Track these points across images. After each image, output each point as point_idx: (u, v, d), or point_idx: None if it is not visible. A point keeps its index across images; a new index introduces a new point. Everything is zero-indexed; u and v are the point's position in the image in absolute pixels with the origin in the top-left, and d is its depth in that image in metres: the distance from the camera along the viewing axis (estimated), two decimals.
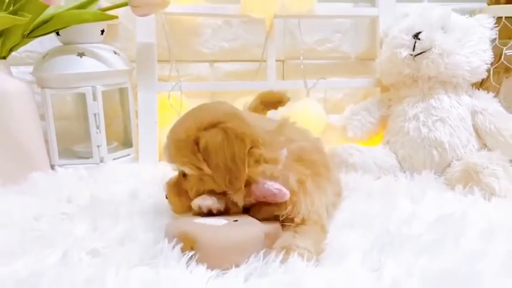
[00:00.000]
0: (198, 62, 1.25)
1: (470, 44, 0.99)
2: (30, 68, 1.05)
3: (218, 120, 0.63)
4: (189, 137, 0.63)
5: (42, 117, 1.02)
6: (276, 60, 1.19)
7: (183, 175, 0.68)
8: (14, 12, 0.84)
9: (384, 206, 0.78)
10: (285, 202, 0.63)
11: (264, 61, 1.18)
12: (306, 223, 0.64)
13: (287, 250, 0.57)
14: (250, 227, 0.60)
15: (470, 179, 0.86)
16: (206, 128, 0.63)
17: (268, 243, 0.61)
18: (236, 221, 0.62)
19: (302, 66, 1.20)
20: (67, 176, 0.95)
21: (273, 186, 0.62)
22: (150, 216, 0.73)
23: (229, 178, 0.60)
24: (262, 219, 0.63)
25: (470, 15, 1.07)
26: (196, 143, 0.62)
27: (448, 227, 0.65)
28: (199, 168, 0.63)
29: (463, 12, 1.21)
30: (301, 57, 1.22)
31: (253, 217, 0.64)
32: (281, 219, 0.64)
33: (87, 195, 0.83)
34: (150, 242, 0.63)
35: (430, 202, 0.80)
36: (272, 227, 0.65)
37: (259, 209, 0.65)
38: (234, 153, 0.60)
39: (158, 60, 1.14)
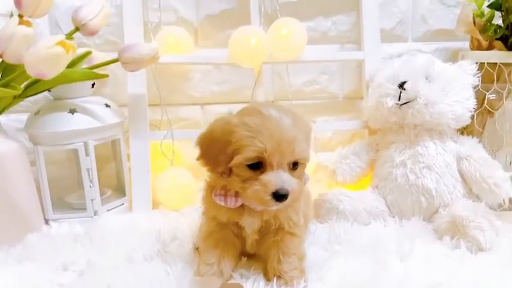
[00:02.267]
0: (189, 105, 1.27)
1: (454, 93, 1.02)
2: (20, 116, 1.06)
3: None
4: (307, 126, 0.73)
5: (33, 163, 1.03)
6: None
7: (294, 165, 0.70)
8: (6, 84, 0.85)
9: (374, 266, 0.80)
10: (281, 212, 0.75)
11: None
12: (293, 231, 0.78)
13: (278, 277, 0.74)
14: None
15: (457, 231, 0.89)
16: None
17: None
18: None
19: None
20: (62, 236, 0.96)
21: None
22: None
23: None
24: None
25: (454, 56, 1.09)
26: None
27: None
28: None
29: (447, 51, 1.25)
30: (290, 99, 1.25)
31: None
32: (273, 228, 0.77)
33: (83, 262, 0.84)
34: None
35: (419, 259, 0.82)
36: None
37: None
38: None
39: (150, 105, 1.16)
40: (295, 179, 0.70)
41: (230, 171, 0.70)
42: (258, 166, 0.68)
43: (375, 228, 1.00)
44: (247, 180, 0.69)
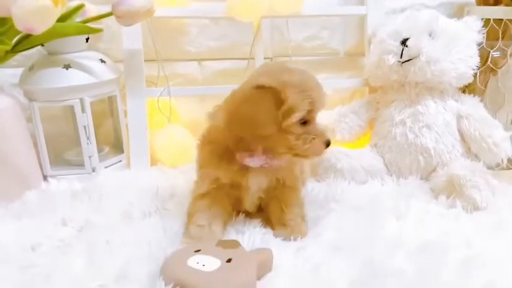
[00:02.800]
0: (186, 61, 1.24)
1: (457, 50, 0.99)
2: (16, 70, 1.05)
3: None
4: None
5: (29, 120, 1.02)
6: (265, 58, 1.18)
7: (305, 123, 0.72)
8: None
9: (370, 225, 0.81)
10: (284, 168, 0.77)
11: (252, 59, 1.18)
12: (294, 184, 0.81)
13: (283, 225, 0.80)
14: (244, 271, 0.63)
15: (453, 190, 0.89)
16: None
17: (261, 271, 0.66)
18: (229, 260, 0.65)
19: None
20: (61, 193, 0.96)
21: None
22: (144, 246, 0.75)
23: None
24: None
25: (459, 11, 1.06)
26: None
27: (430, 258, 0.68)
28: None
29: (452, 6, 1.21)
30: (290, 55, 1.22)
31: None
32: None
33: (82, 218, 0.85)
34: (145, 281, 0.65)
35: (414, 218, 0.83)
36: (264, 253, 0.69)
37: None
38: None
39: (146, 60, 1.13)
40: None
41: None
42: (305, 121, 0.72)
43: (372, 187, 1.00)
44: (299, 136, 0.71)
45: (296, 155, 0.73)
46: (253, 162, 0.75)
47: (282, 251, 0.73)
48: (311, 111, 0.71)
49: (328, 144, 0.73)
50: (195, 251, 0.67)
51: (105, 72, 1.04)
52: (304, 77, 0.71)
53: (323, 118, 1.15)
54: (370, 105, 1.11)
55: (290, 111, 0.68)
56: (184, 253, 0.67)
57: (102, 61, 1.05)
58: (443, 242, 0.73)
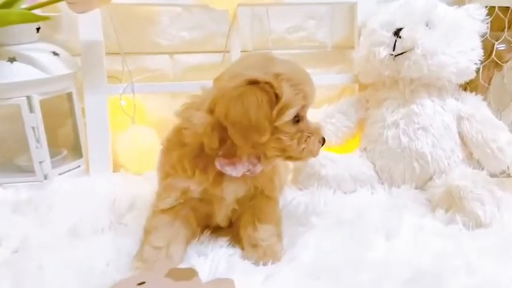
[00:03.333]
0: (155, 54, 1.12)
1: (458, 42, 0.89)
2: None
3: None
4: None
5: None
6: (242, 51, 1.06)
7: (298, 121, 0.64)
8: None
9: (355, 246, 0.69)
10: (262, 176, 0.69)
11: (228, 52, 1.06)
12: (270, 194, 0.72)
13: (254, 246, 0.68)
14: None
15: (452, 203, 0.79)
16: None
17: None
18: None
19: None
20: (1, 204, 0.84)
21: None
22: (84, 272, 0.63)
23: None
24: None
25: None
26: None
27: None
28: None
29: None
30: (271, 48, 1.11)
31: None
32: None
33: (21, 235, 0.73)
34: None
35: (406, 237, 0.72)
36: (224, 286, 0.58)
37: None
38: None
39: (110, 53, 1.02)
40: None
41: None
42: (297, 119, 0.64)
43: (361, 197, 0.91)
44: (293, 135, 0.64)
45: (289, 157, 0.66)
46: (235, 171, 0.65)
47: (249, 279, 0.62)
48: (304, 107, 0.64)
49: (324, 142, 0.67)
50: (138, 284, 0.55)
51: (58, 67, 0.92)
52: (294, 68, 0.64)
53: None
54: (359, 104, 1.01)
55: (285, 108, 0.61)
56: (125, 287, 0.55)
57: (55, 54, 0.93)
58: (439, 268, 0.62)
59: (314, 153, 0.67)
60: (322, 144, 0.67)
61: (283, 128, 0.62)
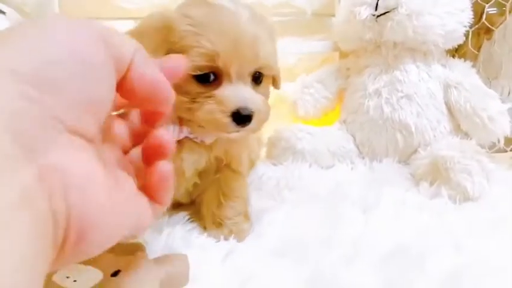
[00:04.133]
0: (120, 20, 1.03)
1: (445, 1, 0.82)
2: None
3: None
4: None
5: None
6: None
7: (258, 77, 0.53)
8: None
9: (328, 222, 0.61)
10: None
11: None
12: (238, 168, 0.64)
13: (218, 225, 0.60)
14: None
15: (438, 175, 0.71)
16: None
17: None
18: (116, 273, 0.45)
19: None
20: None
21: None
22: None
23: None
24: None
25: None
26: None
27: (403, 267, 0.49)
28: None
29: None
30: None
31: None
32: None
33: None
34: None
35: (386, 211, 0.64)
36: (175, 262, 0.50)
37: None
38: None
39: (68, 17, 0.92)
40: (260, 96, 0.53)
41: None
42: (209, 78, 0.51)
43: (339, 172, 0.84)
44: (195, 98, 0.51)
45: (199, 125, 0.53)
46: (167, 133, 0.54)
47: (207, 256, 0.54)
48: (223, 64, 0.50)
49: (239, 119, 0.50)
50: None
51: (4, 26, 0.82)
52: (217, 12, 0.50)
53: (287, 91, 0.97)
54: (339, 73, 0.93)
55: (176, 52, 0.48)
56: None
57: (2, 12, 0.83)
58: (421, 246, 0.54)
59: (220, 128, 0.52)
60: (239, 123, 0.51)
61: (181, 84, 0.50)
